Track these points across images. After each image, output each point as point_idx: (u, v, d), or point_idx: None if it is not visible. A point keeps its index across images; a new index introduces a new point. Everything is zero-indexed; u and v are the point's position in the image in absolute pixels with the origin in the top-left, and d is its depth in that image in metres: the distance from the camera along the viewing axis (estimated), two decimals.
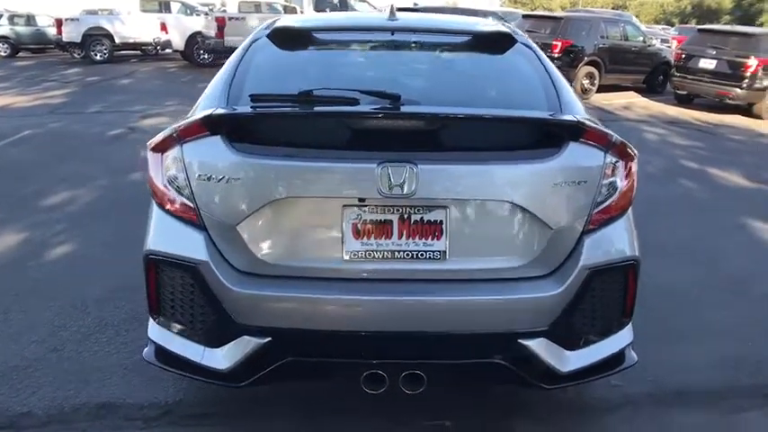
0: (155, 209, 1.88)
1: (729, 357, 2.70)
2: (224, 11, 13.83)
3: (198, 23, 14.30)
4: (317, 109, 1.85)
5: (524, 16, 13.47)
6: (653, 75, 12.48)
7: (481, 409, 2.26)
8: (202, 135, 1.77)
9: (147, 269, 1.84)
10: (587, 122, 1.87)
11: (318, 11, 13.33)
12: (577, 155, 1.82)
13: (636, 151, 1.91)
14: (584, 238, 1.85)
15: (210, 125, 1.77)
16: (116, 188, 4.81)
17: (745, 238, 4.32)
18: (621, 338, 2.00)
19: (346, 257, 1.77)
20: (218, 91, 2.03)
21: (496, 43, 2.30)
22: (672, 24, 39.60)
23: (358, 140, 1.80)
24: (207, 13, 14.23)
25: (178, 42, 14.16)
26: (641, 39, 12.54)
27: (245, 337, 1.77)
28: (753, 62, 9.82)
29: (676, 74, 11.01)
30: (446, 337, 1.81)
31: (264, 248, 1.78)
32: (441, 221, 1.77)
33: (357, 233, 1.76)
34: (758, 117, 10.09)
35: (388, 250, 1.78)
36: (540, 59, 2.28)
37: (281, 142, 1.78)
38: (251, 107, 1.91)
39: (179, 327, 1.87)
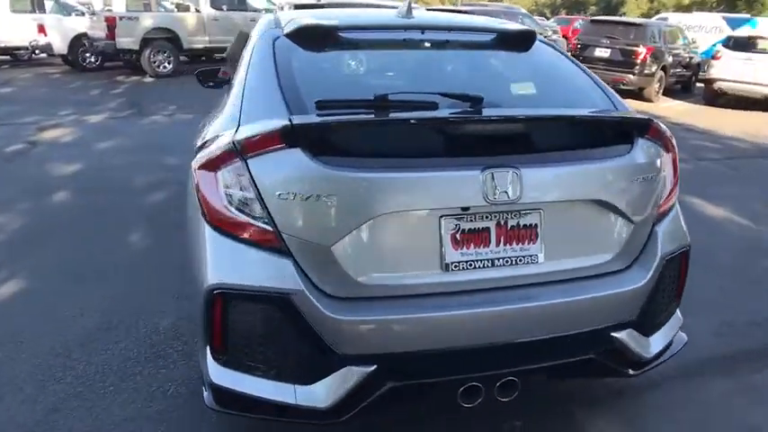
0: (209, 234, 1.64)
1: (724, 323, 2.94)
2: (109, 10, 12.70)
3: (81, 24, 13.05)
4: (413, 115, 1.72)
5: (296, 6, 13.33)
6: None
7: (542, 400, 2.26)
8: (277, 148, 1.57)
9: (211, 306, 1.61)
10: (652, 119, 1.92)
11: (215, 8, 12.67)
12: (645, 150, 1.88)
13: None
14: (655, 229, 1.92)
15: (290, 136, 1.56)
16: (42, 212, 4.25)
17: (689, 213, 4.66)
18: (677, 320, 2.13)
19: (446, 270, 1.68)
20: (269, 98, 1.80)
21: (523, 42, 2.30)
22: (545, 16, 42.32)
23: (456, 147, 1.71)
24: (93, 13, 13.01)
25: (60, 45, 12.80)
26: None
27: (349, 367, 1.60)
28: (642, 50, 10.69)
29: None
30: (544, 340, 1.78)
31: (360, 269, 1.62)
32: (535, 225, 1.74)
33: (456, 243, 1.68)
34: (648, 100, 11.06)
35: (488, 258, 1.71)
36: (567, 57, 2.36)
37: (372, 153, 1.63)
38: (332, 115, 1.70)
39: (256, 366, 1.65)
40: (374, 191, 1.58)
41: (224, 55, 14.06)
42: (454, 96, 1.79)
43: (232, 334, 1.64)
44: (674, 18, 16.77)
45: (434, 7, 12.89)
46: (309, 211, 1.56)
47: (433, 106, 1.75)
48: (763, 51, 10.82)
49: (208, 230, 1.65)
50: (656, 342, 1.98)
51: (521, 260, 1.74)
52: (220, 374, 1.68)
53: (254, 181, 1.58)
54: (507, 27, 2.38)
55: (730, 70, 10.70)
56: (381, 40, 2.21)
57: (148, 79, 11.42)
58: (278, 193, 1.56)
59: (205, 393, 1.74)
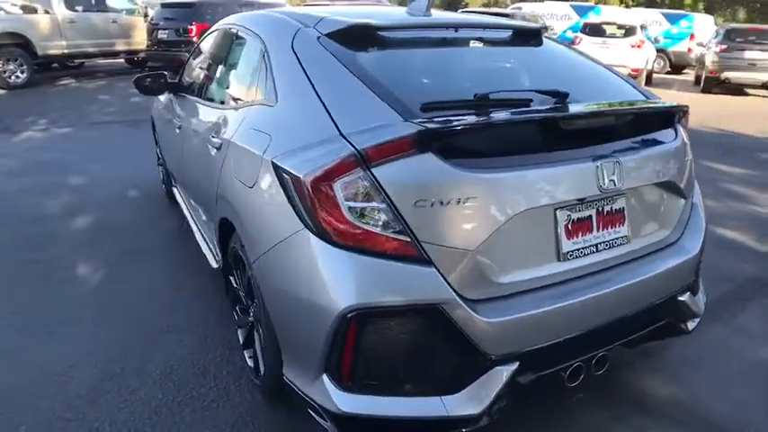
0: (329, 252, 1.50)
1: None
2: None
3: None
4: (530, 115, 1.74)
5: (162, 5, 12.34)
6: None
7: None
8: (408, 154, 1.47)
9: (343, 330, 1.48)
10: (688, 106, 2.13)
11: (70, 9, 11.41)
12: (683, 133, 2.09)
13: None
14: (694, 201, 2.15)
15: (424, 141, 1.47)
16: None
17: None
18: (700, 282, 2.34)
19: (563, 260, 1.72)
20: (366, 102, 1.67)
21: (535, 36, 2.41)
22: None
23: (570, 141, 1.75)
24: None
25: None
26: None
27: (496, 368, 1.57)
28: None
29: None
30: (637, 312, 1.89)
31: (496, 269, 1.60)
32: (623, 209, 1.84)
33: (569, 233, 1.72)
34: None
35: (592, 244, 1.78)
36: (574, 50, 2.54)
37: (499, 152, 1.61)
38: (440, 116, 1.62)
39: (395, 385, 1.56)
40: (510, 190, 1.58)
41: (81, 60, 12.80)
42: (543, 92, 1.82)
43: (367, 356, 1.52)
44: (528, 7, 18.18)
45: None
46: (450, 217, 1.50)
47: (529, 103, 1.78)
48: (613, 36, 12.12)
49: (326, 248, 1.51)
50: (700, 299, 2.22)
51: (616, 242, 1.83)
52: (348, 402, 1.55)
53: (384, 190, 1.47)
54: (517, 23, 2.48)
55: (589, 54, 11.85)
56: (424, 39, 2.17)
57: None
58: (414, 200, 1.47)
59: (326, 424, 1.61)
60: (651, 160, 1.91)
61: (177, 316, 2.79)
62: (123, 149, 6.22)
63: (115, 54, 12.65)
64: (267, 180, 1.72)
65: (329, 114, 1.67)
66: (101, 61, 13.47)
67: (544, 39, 2.44)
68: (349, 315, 1.47)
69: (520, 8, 18.00)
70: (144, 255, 3.51)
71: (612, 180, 1.74)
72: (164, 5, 12.25)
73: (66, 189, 4.75)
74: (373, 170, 1.48)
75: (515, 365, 1.60)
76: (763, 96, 12.62)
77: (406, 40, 2.11)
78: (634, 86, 2.28)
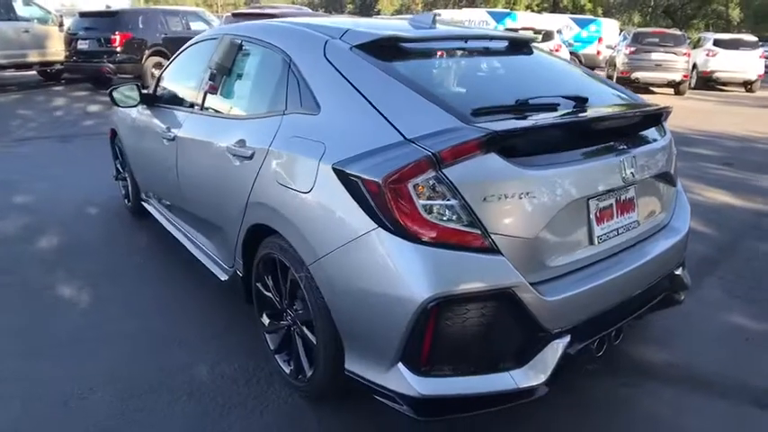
0: (408, 247, 1.63)
1: None
2: None
3: None
4: (572, 118, 1.97)
5: (81, 14, 12.18)
6: None
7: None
8: (476, 155, 1.63)
9: (424, 319, 1.61)
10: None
11: None
12: (668, 131, 2.40)
13: None
14: (679, 190, 2.47)
15: (491, 143, 1.64)
16: None
17: None
18: None
19: (597, 242, 1.93)
20: (423, 108, 1.80)
21: (527, 45, 2.64)
22: None
23: (599, 140, 1.99)
24: None
25: None
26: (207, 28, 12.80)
27: (554, 341, 1.76)
28: None
29: None
30: (648, 287, 2.14)
31: (548, 254, 1.78)
32: (634, 197, 2.08)
33: (598, 220, 1.93)
34: None
35: (614, 229, 2.00)
36: (558, 57, 2.81)
37: (547, 151, 1.81)
38: (489, 120, 1.79)
39: (467, 366, 1.72)
40: (559, 184, 1.78)
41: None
42: (568, 97, 2.06)
43: (445, 341, 1.65)
44: (447, 14, 18.83)
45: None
46: (513, 210, 1.67)
47: (556, 107, 1.99)
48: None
49: (403, 244, 1.63)
50: (687, 272, 2.51)
51: (630, 226, 2.08)
52: (426, 385, 1.68)
53: (456, 188, 1.61)
54: (511, 34, 2.70)
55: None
56: (443, 49, 2.32)
57: None
58: (483, 196, 1.63)
59: (403, 408, 1.72)
60: (655, 154, 2.19)
61: (184, 329, 2.76)
62: (64, 166, 5.94)
63: (28, 66, 11.90)
64: (327, 185, 1.80)
65: (388, 121, 1.78)
66: (8, 74, 12.58)
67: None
68: (430, 305, 1.59)
69: (439, 14, 18.62)
70: (126, 272, 3.41)
71: (632, 172, 2.00)
72: (82, 14, 11.71)
73: (17, 209, 4.49)
74: (445, 171, 1.62)
75: (568, 338, 1.81)
76: (668, 94, 13.81)
77: (429, 51, 2.27)
78: (617, 88, 2.55)
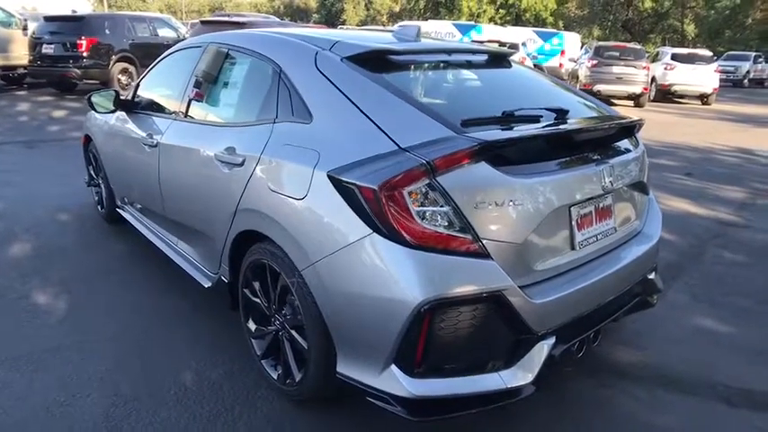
0: (402, 252, 1.68)
1: None
2: None
3: None
4: (564, 127, 2.06)
5: (46, 18, 11.77)
6: None
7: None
8: (468, 163, 1.70)
9: (419, 321, 1.66)
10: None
11: None
12: (641, 142, 2.53)
13: None
14: (650, 198, 2.59)
15: (482, 152, 1.72)
16: None
17: None
18: None
19: (578, 248, 2.02)
20: (414, 118, 1.87)
21: (505, 59, 2.75)
22: None
23: (583, 149, 2.10)
24: None
25: None
26: (175, 35, 12.69)
27: (540, 343, 1.84)
28: None
29: None
30: (625, 291, 2.25)
31: (534, 258, 1.86)
32: (610, 204, 2.18)
33: (579, 227, 2.02)
34: None
35: (594, 235, 2.10)
36: (533, 70, 2.93)
37: (532, 160, 1.89)
38: (478, 131, 1.86)
39: (458, 367, 1.78)
40: (546, 192, 1.86)
41: None
42: (549, 109, 2.14)
43: (437, 343, 1.70)
44: (412, 25, 19.01)
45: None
46: (502, 216, 1.75)
47: (539, 119, 2.06)
48: None
49: (398, 249, 1.68)
50: (659, 276, 2.64)
51: (608, 232, 2.18)
52: (419, 386, 1.73)
53: (449, 195, 1.68)
54: (491, 48, 2.82)
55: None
56: (429, 62, 2.40)
57: None
58: (474, 203, 1.70)
59: (396, 409, 1.77)
60: (630, 164, 2.30)
61: (166, 335, 2.75)
62: (31, 172, 5.80)
63: None
64: (322, 191, 1.85)
65: (382, 130, 1.84)
66: None
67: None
68: (424, 308, 1.64)
69: (404, 26, 18.82)
70: (103, 278, 3.36)
71: (611, 181, 2.10)
72: (47, 18, 11.45)
73: None
74: (438, 178, 1.69)
75: (553, 339, 1.88)
76: (628, 106, 14.28)
77: (417, 63, 2.35)
78: (591, 100, 2.66)
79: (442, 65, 2.45)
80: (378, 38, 2.61)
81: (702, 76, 15.33)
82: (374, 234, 1.71)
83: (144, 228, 3.49)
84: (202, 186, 2.53)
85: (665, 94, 15.83)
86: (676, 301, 3.34)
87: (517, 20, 43.90)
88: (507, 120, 1.99)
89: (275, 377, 2.27)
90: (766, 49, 31.23)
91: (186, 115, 2.82)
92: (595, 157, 2.12)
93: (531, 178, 1.85)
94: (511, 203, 1.77)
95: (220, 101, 2.68)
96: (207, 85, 2.67)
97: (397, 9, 61.67)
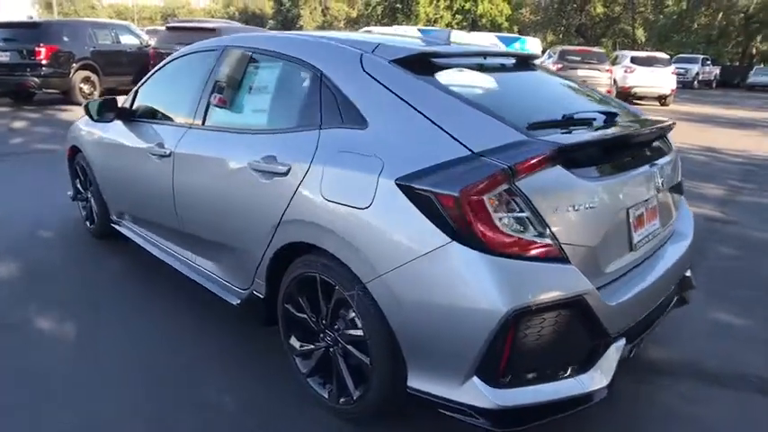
0: (484, 260, 1.64)
1: None
2: None
3: None
4: (621, 132, 2.11)
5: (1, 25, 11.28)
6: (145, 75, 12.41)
7: None
8: (545, 168, 1.68)
9: (504, 331, 1.62)
10: None
11: None
12: (673, 143, 2.56)
13: None
14: (682, 198, 2.63)
15: (558, 156, 1.70)
16: None
17: None
18: None
19: (635, 249, 2.02)
20: (484, 122, 1.83)
21: (533, 62, 2.76)
22: None
23: (636, 151, 2.13)
24: None
25: None
26: (137, 42, 12.50)
27: (614, 345, 1.84)
28: None
29: None
30: (672, 289, 2.29)
31: (603, 260, 1.86)
32: (656, 205, 2.18)
33: (635, 227, 2.01)
34: None
35: (645, 236, 2.10)
36: (551, 72, 2.96)
37: (596, 163, 1.89)
38: (569, 134, 1.89)
39: (540, 374, 1.75)
40: (614, 194, 1.87)
41: None
42: (602, 112, 2.16)
43: (521, 352, 1.66)
44: (377, 30, 19.03)
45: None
46: (578, 220, 1.73)
47: (593, 122, 2.07)
48: None
49: (481, 257, 1.63)
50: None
51: (656, 233, 2.18)
52: (502, 397, 1.69)
53: (530, 201, 1.64)
54: (517, 52, 2.79)
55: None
56: (471, 65, 2.36)
57: None
58: (554, 207, 1.67)
59: (478, 421, 1.72)
60: (672, 164, 2.33)
61: (189, 356, 2.60)
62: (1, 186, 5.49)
63: None
64: (390, 200, 1.77)
65: (450, 135, 1.78)
66: None
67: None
68: (511, 316, 1.60)
69: (370, 31, 18.84)
70: (106, 299, 3.17)
71: (662, 181, 2.14)
72: (1, 25, 10.91)
73: None
74: (518, 183, 1.65)
75: (623, 341, 1.87)
76: None
77: (461, 66, 2.29)
78: (619, 102, 2.69)
79: (481, 68, 2.40)
80: (414, 41, 2.56)
81: (661, 79, 15.90)
82: (454, 242, 1.65)
83: (148, 243, 3.31)
84: (232, 197, 2.40)
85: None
86: (692, 299, 3.38)
87: (473, 25, 44.59)
88: (567, 123, 1.98)
89: (326, 395, 2.17)
90: (712, 52, 32.75)
91: (204, 123, 2.68)
92: (649, 159, 2.15)
93: (601, 181, 1.85)
94: (585, 206, 1.75)
95: (248, 107, 2.55)
96: (230, 91, 2.55)
97: (354, 15, 61.79)
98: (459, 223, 1.64)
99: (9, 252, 3.78)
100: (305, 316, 2.20)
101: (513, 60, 2.63)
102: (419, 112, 1.88)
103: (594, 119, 2.08)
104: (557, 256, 1.69)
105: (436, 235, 1.67)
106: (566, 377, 1.76)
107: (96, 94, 11.14)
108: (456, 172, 1.68)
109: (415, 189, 1.72)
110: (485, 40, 18.59)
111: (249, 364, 2.54)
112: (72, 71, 10.70)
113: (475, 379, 1.69)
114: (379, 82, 2.02)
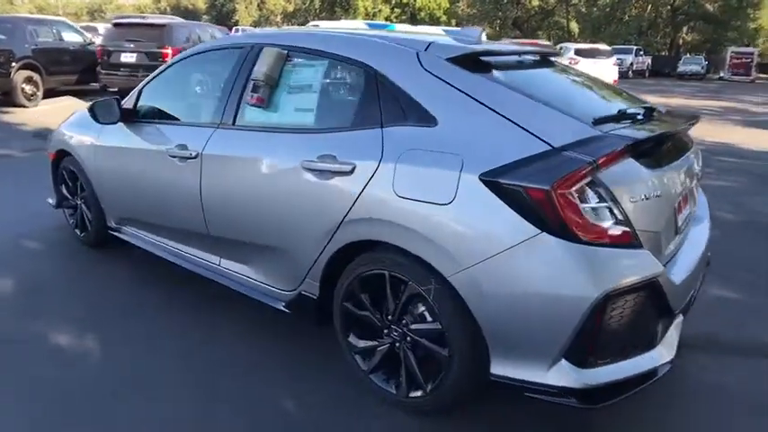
0: (573, 250, 1.72)
1: None
2: None
3: None
4: (677, 128, 2.25)
5: None
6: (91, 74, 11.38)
7: None
8: (622, 160, 1.81)
9: (595, 314, 1.72)
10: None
11: None
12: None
13: None
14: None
15: (632, 149, 1.82)
16: None
17: None
18: None
19: (679, 231, 2.17)
20: (555, 118, 1.91)
21: (554, 58, 2.87)
22: None
23: (680, 142, 2.28)
24: None
25: None
26: (81, 40, 11.93)
27: (675, 321, 2.02)
28: (168, 51, 10.29)
29: (102, 71, 10.69)
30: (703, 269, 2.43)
31: (663, 243, 1.99)
32: (687, 193, 2.30)
33: (677, 212, 2.14)
34: None
35: (684, 219, 2.24)
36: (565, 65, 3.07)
37: (657, 154, 2.03)
38: (637, 128, 2.00)
39: (622, 352, 1.87)
40: (672, 182, 2.03)
41: None
42: (644, 108, 2.28)
43: (605, 333, 1.78)
44: (324, 24, 18.85)
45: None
46: (647, 207, 1.85)
47: (638, 116, 2.18)
48: None
49: (571, 246, 1.72)
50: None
51: (690, 216, 2.34)
52: (589, 376, 1.80)
53: (609, 191, 1.75)
54: (541, 49, 2.93)
55: None
56: (515, 63, 2.45)
57: None
58: (629, 196, 1.78)
59: (568, 400, 1.83)
60: (697, 153, 2.48)
61: (237, 363, 2.55)
62: None
63: None
64: (474, 195, 1.83)
65: (527, 131, 1.85)
66: None
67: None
68: (601, 300, 1.70)
69: (317, 26, 18.64)
70: (123, 310, 3.03)
71: (699, 169, 2.32)
72: None
73: None
74: (600, 175, 1.75)
75: (681, 317, 2.07)
76: None
77: (507, 64, 2.38)
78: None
79: (521, 65, 2.48)
80: (455, 40, 2.59)
81: (603, 69, 16.58)
82: (543, 233, 1.72)
83: (159, 249, 3.19)
84: (279, 198, 2.35)
85: None
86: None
87: (412, 19, 44.96)
88: (621, 117, 2.09)
89: (392, 390, 2.18)
90: (643, 43, 34.41)
91: (234, 122, 2.61)
92: (687, 149, 2.30)
93: (661, 171, 1.99)
94: (653, 195, 1.88)
95: (290, 106, 2.48)
96: (269, 90, 2.47)
97: (290, 9, 60.87)
98: (549, 215, 1.71)
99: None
100: (367, 313, 2.20)
101: (537, 57, 2.70)
102: (491, 109, 1.93)
103: (639, 113, 2.19)
104: (633, 242, 1.79)
105: (525, 227, 1.74)
106: (640, 354, 1.89)
107: (40, 95, 10.56)
108: (543, 166, 1.75)
109: (501, 184, 1.77)
110: (434, 33, 18.83)
111: (295, 364, 2.51)
112: (12, 71, 10.07)
113: (563, 361, 1.79)
114: (442, 80, 2.05)
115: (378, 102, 2.14)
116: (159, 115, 3.11)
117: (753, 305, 3.24)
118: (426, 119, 2.02)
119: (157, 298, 3.16)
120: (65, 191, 3.96)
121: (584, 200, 1.73)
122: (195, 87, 2.97)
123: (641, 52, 30.44)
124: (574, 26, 43.00)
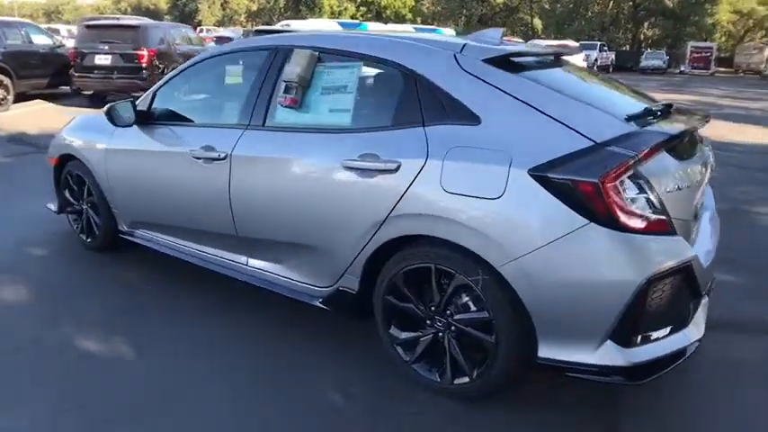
0: (618, 238, 1.86)
1: None
2: None
3: None
4: (691, 125, 2.33)
5: None
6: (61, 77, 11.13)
7: None
8: (658, 153, 1.95)
9: (638, 298, 1.86)
10: None
11: None
12: None
13: None
14: None
15: (665, 144, 1.97)
16: None
17: None
18: None
19: (697, 218, 2.33)
20: (591, 115, 2.03)
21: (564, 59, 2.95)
22: None
23: (695, 136, 2.39)
24: None
25: None
26: (50, 42, 11.56)
27: (702, 302, 2.18)
28: (144, 53, 10.29)
29: (75, 74, 10.50)
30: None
31: (690, 230, 2.13)
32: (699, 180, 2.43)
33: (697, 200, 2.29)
34: None
35: (699, 206, 2.38)
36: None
37: (683, 147, 2.19)
38: (667, 124, 2.16)
39: (658, 332, 2.00)
40: (696, 172, 2.21)
41: None
42: (663, 104, 2.42)
43: (647, 314, 1.92)
44: (296, 24, 18.74)
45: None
46: (680, 196, 2.01)
47: (659, 112, 2.30)
48: None
49: (617, 234, 1.85)
50: None
51: (702, 203, 2.46)
52: (633, 355, 1.95)
53: (649, 183, 1.89)
54: (555, 49, 3.01)
55: None
56: (541, 63, 2.56)
57: None
58: (665, 187, 1.93)
59: (614, 379, 1.98)
60: (709, 147, 2.62)
61: (278, 359, 2.59)
62: None
63: None
64: (522, 189, 1.94)
65: (570, 128, 1.97)
66: None
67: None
68: (644, 285, 1.84)
69: (288, 25, 18.50)
70: (149, 313, 3.03)
71: (712, 161, 2.47)
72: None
73: None
74: (641, 169, 1.89)
75: (707, 298, 2.21)
76: None
77: (536, 64, 2.49)
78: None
79: (548, 65, 2.59)
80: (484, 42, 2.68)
81: None
82: (591, 224, 1.85)
83: (175, 251, 3.20)
84: (320, 197, 2.40)
85: None
86: None
87: (378, 17, 45.03)
88: (648, 114, 2.22)
89: (437, 378, 2.27)
90: (606, 39, 35.26)
91: (264, 123, 2.65)
92: (702, 142, 2.46)
93: (689, 162, 2.15)
94: (685, 185, 2.04)
95: (324, 107, 2.51)
96: (301, 91, 2.52)
97: (254, 8, 60.22)
98: (597, 206, 1.84)
99: (5, 272, 3.50)
100: (410, 305, 2.28)
101: (553, 57, 2.80)
102: (533, 107, 2.04)
103: (660, 110, 2.33)
104: (669, 229, 1.93)
105: (574, 218, 1.86)
106: (674, 333, 2.04)
107: (10, 99, 10.27)
108: (590, 161, 1.88)
109: (550, 178, 1.89)
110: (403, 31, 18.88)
111: (335, 359, 2.58)
112: None
113: (609, 342, 1.93)
114: (483, 80, 2.15)
115: (418, 102, 2.23)
116: (178, 117, 3.12)
117: (745, 288, 3.43)
118: (469, 117, 2.11)
119: (174, 299, 3.16)
120: (69, 196, 3.91)
121: (627, 191, 1.87)
122: (217, 90, 2.99)
123: (605, 48, 31.21)
124: (538, 23, 43.77)
